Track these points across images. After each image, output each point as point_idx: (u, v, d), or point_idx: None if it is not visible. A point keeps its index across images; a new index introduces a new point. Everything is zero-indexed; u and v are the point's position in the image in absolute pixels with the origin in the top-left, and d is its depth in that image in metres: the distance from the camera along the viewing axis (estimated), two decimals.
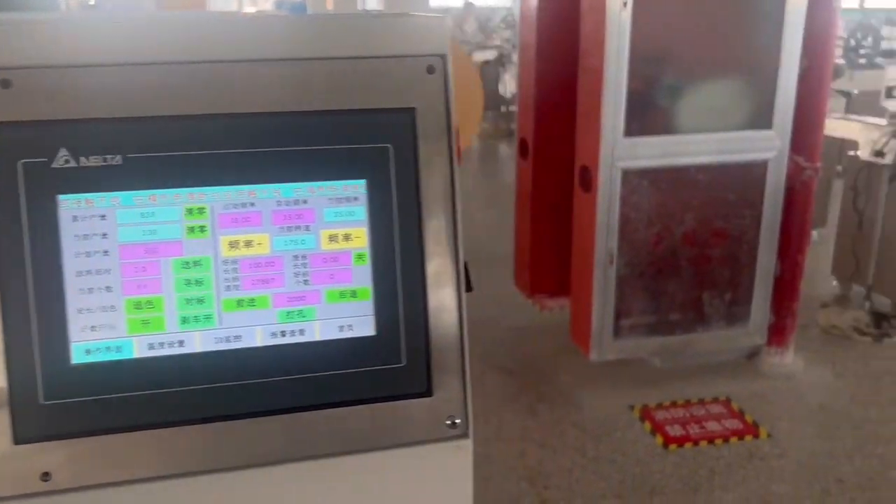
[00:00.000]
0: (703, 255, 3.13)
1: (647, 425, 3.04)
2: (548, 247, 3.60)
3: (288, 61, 0.80)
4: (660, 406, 3.16)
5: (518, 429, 3.05)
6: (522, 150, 3.61)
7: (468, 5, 11.62)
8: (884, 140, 3.53)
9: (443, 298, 0.89)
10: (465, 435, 0.92)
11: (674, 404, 3.18)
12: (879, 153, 3.56)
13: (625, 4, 2.77)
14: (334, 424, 0.85)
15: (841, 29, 7.66)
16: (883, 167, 3.65)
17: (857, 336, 3.71)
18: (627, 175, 2.98)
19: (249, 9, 11.51)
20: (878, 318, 3.79)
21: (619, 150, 2.93)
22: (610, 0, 2.76)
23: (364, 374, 0.86)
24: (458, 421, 0.93)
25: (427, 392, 0.90)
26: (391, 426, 0.89)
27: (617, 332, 3.16)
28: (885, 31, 7.83)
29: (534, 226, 3.62)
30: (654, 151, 2.97)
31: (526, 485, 2.71)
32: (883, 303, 3.92)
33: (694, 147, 2.99)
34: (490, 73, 7.84)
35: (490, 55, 7.93)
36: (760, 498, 2.62)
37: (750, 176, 3.09)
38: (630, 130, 2.92)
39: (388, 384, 0.88)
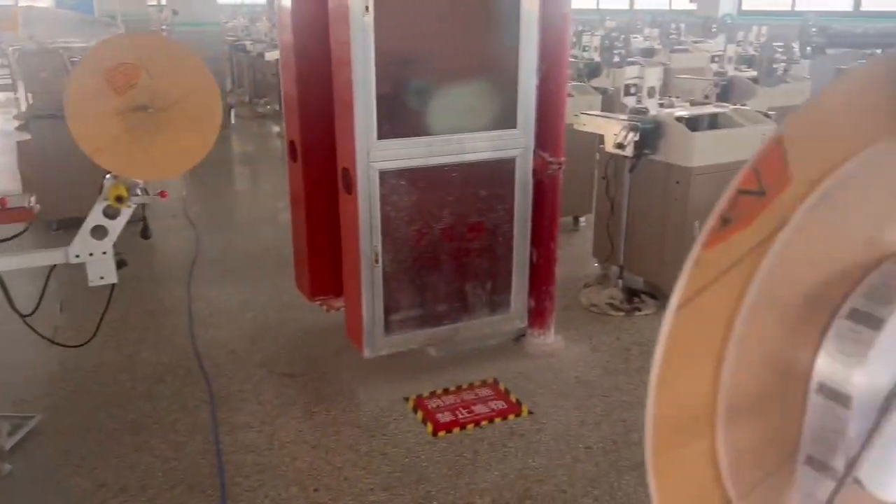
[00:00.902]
0: (462, 248, 3.30)
1: (420, 415, 3.16)
2: (325, 248, 3.61)
3: None
4: (433, 394, 3.30)
5: (292, 433, 3.04)
6: (291, 152, 3.59)
7: (271, 2, 11.31)
8: (623, 133, 3.91)
9: None
10: None
11: (446, 391, 3.33)
12: (620, 146, 3.94)
13: (367, 9, 2.83)
14: None
15: (608, 28, 8.41)
16: (625, 158, 4.04)
17: (613, 312, 4.10)
18: (385, 176, 3.06)
19: (24, 2, 10.41)
20: (630, 294, 4.22)
21: (375, 153, 3.01)
22: (353, 4, 2.81)
23: None
24: None
25: None
26: None
27: (388, 327, 3.25)
28: (647, 31, 8.74)
29: (309, 228, 3.62)
30: (408, 153, 3.08)
31: (296, 489, 2.72)
32: (635, 280, 4.36)
33: (445, 147, 3.14)
34: None
35: None
36: (518, 473, 2.82)
37: (500, 172, 3.29)
38: (383, 133, 3.00)
39: None
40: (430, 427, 3.08)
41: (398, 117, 3.04)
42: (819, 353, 0.62)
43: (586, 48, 6.17)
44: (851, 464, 0.59)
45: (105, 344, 3.79)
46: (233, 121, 9.47)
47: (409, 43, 3.07)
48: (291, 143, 3.58)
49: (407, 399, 3.27)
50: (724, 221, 0.57)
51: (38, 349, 3.51)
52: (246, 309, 4.15)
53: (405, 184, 3.11)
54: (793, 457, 0.65)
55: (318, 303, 4.08)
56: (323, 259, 3.61)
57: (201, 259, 4.89)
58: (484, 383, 3.40)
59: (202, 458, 2.90)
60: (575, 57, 6.61)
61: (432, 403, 3.24)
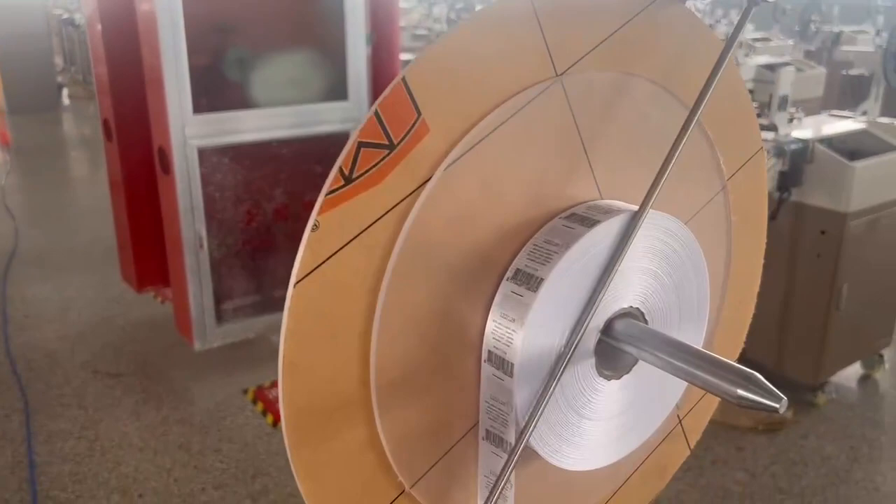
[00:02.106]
0: (299, 228, 3.15)
1: (260, 406, 3.01)
2: (150, 233, 3.34)
3: None
4: (274, 384, 3.16)
5: (117, 437, 2.81)
6: (106, 132, 3.28)
7: None
8: None
9: None
10: None
11: None
12: None
13: None
14: None
15: None
16: None
17: None
18: (204, 154, 2.85)
19: None
20: None
21: (192, 129, 2.79)
22: None
23: None
24: None
25: None
26: None
27: (220, 316, 3.06)
28: None
29: (130, 212, 3.33)
30: (230, 127, 2.87)
31: (118, 496, 2.51)
32: None
33: (271, 121, 2.96)
34: None
35: None
36: None
37: (335, 147, 3.15)
38: (199, 107, 2.78)
39: None
40: (269, 418, 2.94)
41: (216, 90, 2.83)
42: (488, 319, 0.57)
43: (437, 20, 6.12)
44: (519, 436, 0.54)
45: None
46: (65, 101, 8.69)
47: (225, 9, 2.86)
48: (105, 122, 3.27)
49: (246, 391, 3.10)
50: (347, 180, 0.49)
51: None
52: (69, 307, 3.79)
53: (228, 161, 2.91)
54: (475, 433, 0.59)
55: (152, 294, 3.81)
56: (148, 246, 3.34)
57: (20, 255, 4.43)
58: None
59: (11, 472, 2.61)
60: (428, 29, 6.55)
61: (273, 393, 3.09)
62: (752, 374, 0.49)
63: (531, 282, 0.54)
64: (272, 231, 3.10)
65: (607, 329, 0.58)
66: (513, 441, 0.56)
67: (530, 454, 0.59)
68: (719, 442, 2.79)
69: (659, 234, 0.59)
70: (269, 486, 2.57)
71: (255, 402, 3.03)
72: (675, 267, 0.61)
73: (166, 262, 3.28)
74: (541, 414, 0.54)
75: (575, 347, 0.55)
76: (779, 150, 2.75)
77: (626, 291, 0.59)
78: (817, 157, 2.82)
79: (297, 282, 0.49)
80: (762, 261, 0.76)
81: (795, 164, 2.81)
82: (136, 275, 3.42)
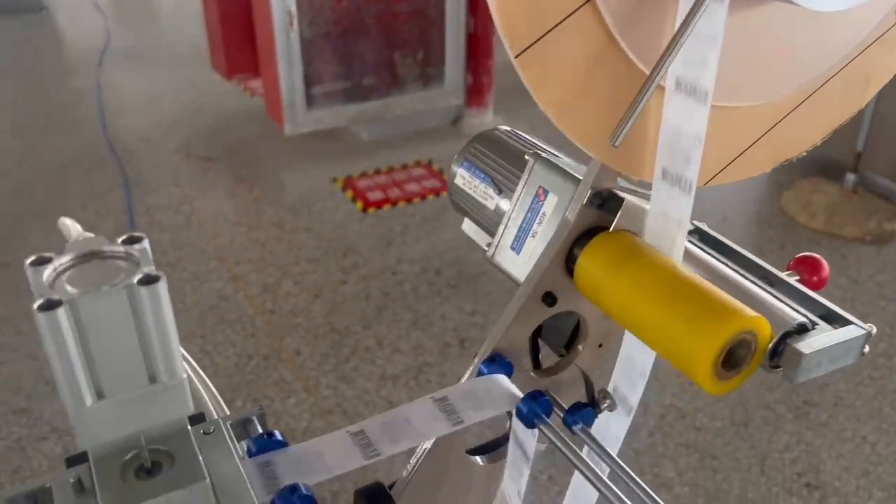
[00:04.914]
0: (389, 11, 2.99)
1: (349, 193, 3.02)
2: (240, 17, 3.25)
3: None
4: (363, 175, 3.15)
5: (212, 212, 2.89)
6: None
7: None
8: None
9: None
10: None
11: (377, 172, 3.18)
12: None
13: None
14: None
15: None
16: None
17: None
18: None
19: None
20: None
21: None
22: None
23: None
24: None
25: None
26: None
27: (310, 101, 3.02)
28: None
29: None
30: None
31: (216, 262, 2.61)
32: None
33: None
34: None
35: None
36: (449, 243, 2.75)
37: None
38: None
39: None
40: (359, 204, 2.95)
41: None
42: None
43: None
44: None
45: (2, 134, 3.51)
46: None
47: None
48: None
49: (335, 180, 3.11)
50: None
51: None
52: (160, 97, 3.83)
53: None
54: None
55: (241, 85, 3.80)
56: (237, 27, 3.26)
57: (111, 49, 4.46)
58: (417, 164, 3.25)
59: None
60: None
61: (362, 183, 3.10)
62: None
63: None
64: (362, 13, 2.96)
65: None
66: None
67: None
68: (821, 248, 2.65)
69: None
70: (360, 262, 2.62)
71: (344, 189, 3.04)
72: None
73: (256, 52, 3.22)
74: None
75: None
76: None
77: None
78: None
79: None
80: None
81: None
82: (226, 61, 3.37)
